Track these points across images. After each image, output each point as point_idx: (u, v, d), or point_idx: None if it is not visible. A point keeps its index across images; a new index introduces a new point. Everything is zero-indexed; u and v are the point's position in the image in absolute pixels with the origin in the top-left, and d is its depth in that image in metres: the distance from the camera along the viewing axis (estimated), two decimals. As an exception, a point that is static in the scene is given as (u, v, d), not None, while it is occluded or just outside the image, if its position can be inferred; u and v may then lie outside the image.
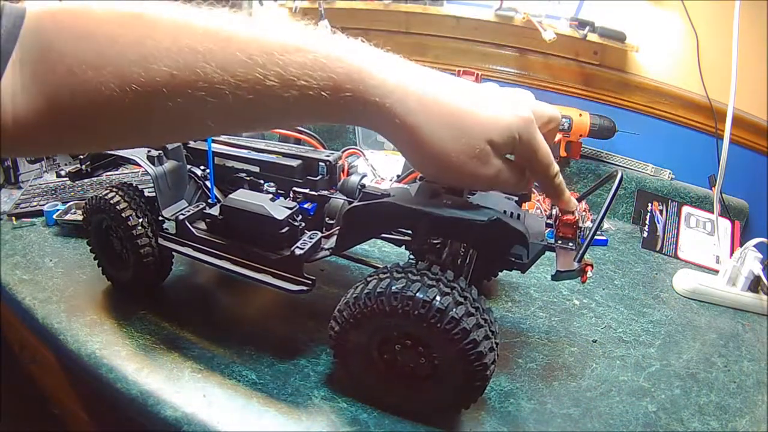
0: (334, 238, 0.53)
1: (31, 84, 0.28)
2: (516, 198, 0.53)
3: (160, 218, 0.60)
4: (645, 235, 0.92)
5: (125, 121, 0.30)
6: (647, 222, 0.93)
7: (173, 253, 0.60)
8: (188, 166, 0.64)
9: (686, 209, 0.93)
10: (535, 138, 0.37)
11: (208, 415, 0.46)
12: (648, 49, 0.97)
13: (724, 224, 0.90)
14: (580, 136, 0.94)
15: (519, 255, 0.46)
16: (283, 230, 0.52)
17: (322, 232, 0.55)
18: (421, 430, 0.47)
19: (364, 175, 0.58)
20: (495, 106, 0.36)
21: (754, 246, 0.74)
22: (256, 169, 0.62)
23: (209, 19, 0.30)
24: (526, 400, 0.51)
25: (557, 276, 0.43)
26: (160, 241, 0.59)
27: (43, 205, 0.83)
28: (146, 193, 0.62)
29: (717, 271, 0.80)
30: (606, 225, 0.96)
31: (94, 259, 0.66)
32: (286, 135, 0.69)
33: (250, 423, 0.46)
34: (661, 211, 0.94)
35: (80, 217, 0.80)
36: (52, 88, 0.28)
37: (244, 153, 0.64)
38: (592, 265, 0.43)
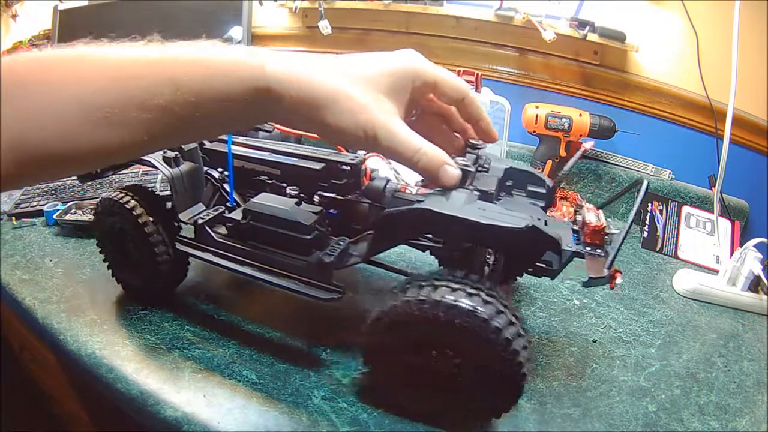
0: (362, 243, 0.52)
1: None
2: (542, 204, 0.53)
3: (175, 222, 0.58)
4: (645, 235, 0.92)
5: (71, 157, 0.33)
6: (647, 222, 0.93)
7: (191, 257, 0.59)
8: (204, 168, 0.62)
9: (686, 209, 0.93)
10: (428, 64, 0.40)
11: (208, 415, 0.46)
12: (648, 49, 0.97)
13: (724, 224, 0.90)
14: (580, 136, 0.94)
15: (549, 261, 0.46)
16: (310, 236, 0.51)
17: (349, 238, 0.54)
18: (420, 429, 0.47)
19: (389, 180, 0.56)
20: (382, 57, 0.39)
21: (754, 246, 0.74)
22: (277, 172, 0.61)
23: (131, 53, 0.33)
24: (526, 400, 0.51)
25: (589, 283, 0.43)
26: (178, 245, 0.58)
27: (43, 205, 0.83)
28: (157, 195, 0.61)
29: (717, 271, 0.80)
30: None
31: (104, 261, 0.65)
32: (306, 137, 0.67)
33: (250, 423, 0.46)
34: (661, 211, 0.94)
35: (81, 217, 0.80)
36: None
37: (264, 155, 0.62)
38: (620, 272, 0.43)
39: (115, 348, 0.54)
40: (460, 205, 0.42)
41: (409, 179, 0.59)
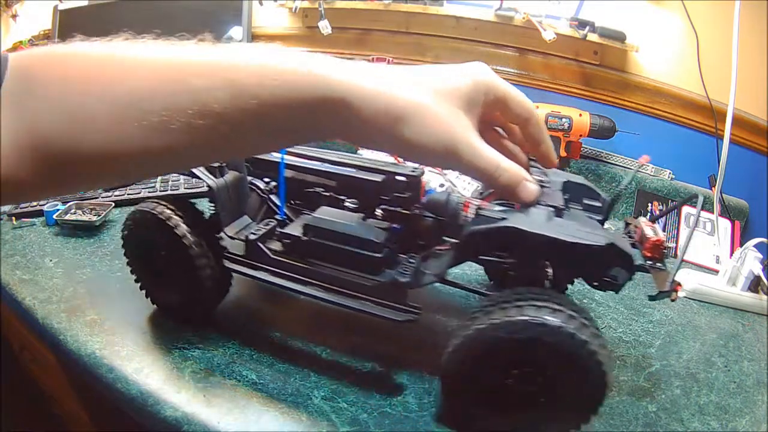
0: (433, 260, 0.50)
1: (18, 123, 0.28)
2: (600, 217, 0.54)
3: (217, 235, 0.55)
4: (645, 235, 0.92)
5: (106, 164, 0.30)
6: (647, 222, 0.93)
7: (236, 275, 0.55)
8: (249, 178, 0.59)
9: (686, 209, 0.93)
10: (499, 79, 0.38)
11: (208, 415, 0.46)
12: (648, 49, 0.97)
13: (724, 224, 0.90)
14: (580, 136, 0.94)
15: (614, 276, 0.47)
16: (381, 254, 0.48)
17: (417, 254, 0.51)
18: (420, 429, 0.47)
19: (450, 193, 0.54)
20: (456, 70, 0.37)
21: (754, 246, 0.74)
22: (333, 183, 0.57)
23: (183, 51, 0.31)
24: (526, 400, 0.51)
25: (657, 296, 0.43)
26: (226, 263, 0.54)
27: (43, 205, 0.83)
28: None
29: (717, 271, 0.80)
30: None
31: (136, 281, 0.60)
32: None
33: (250, 423, 0.46)
34: (660, 211, 0.94)
35: (81, 217, 0.80)
36: (33, 126, 0.29)
37: (317, 165, 0.58)
38: (681, 285, 0.44)
39: (115, 348, 0.54)
40: (542, 222, 0.42)
41: (463, 191, 0.58)
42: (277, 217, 0.58)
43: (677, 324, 0.68)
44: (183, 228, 0.52)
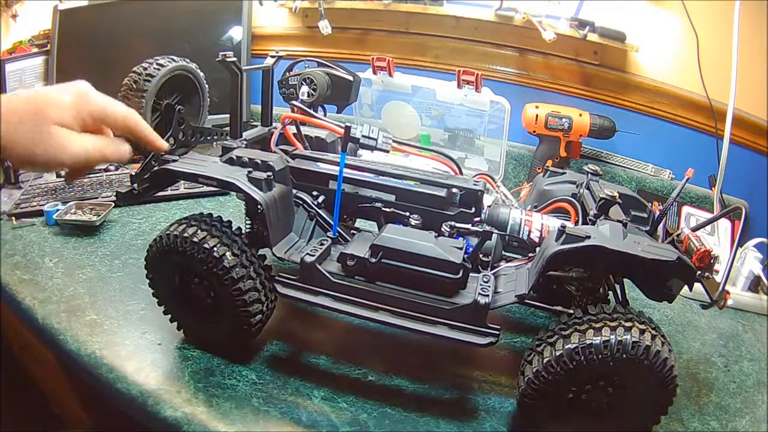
0: (505, 278, 0.49)
1: None
2: (647, 228, 0.54)
3: (259, 255, 0.50)
4: (645, 235, 0.92)
5: None
6: (647, 222, 0.93)
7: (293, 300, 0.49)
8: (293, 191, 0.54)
9: (686, 209, 0.93)
10: (95, 99, 0.42)
11: (208, 415, 0.46)
12: (648, 49, 0.97)
13: (724, 224, 0.90)
14: (580, 136, 0.94)
15: (670, 287, 0.48)
16: (459, 275, 0.46)
17: (479, 272, 0.49)
18: (420, 429, 0.47)
19: (512, 207, 0.53)
20: (50, 91, 0.41)
21: (754, 246, 0.74)
22: (392, 198, 0.54)
23: None
24: (526, 400, 0.51)
25: (709, 305, 0.45)
26: (280, 288, 0.49)
27: (43, 205, 0.83)
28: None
29: (717, 271, 0.79)
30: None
31: (165, 312, 0.55)
32: (428, 157, 0.61)
33: (250, 423, 0.46)
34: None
35: (81, 217, 0.80)
36: None
37: (373, 178, 0.55)
38: (729, 293, 0.45)
39: (115, 348, 0.54)
40: (620, 239, 0.43)
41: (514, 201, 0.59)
42: (330, 234, 0.53)
43: (677, 324, 0.68)
44: (224, 250, 0.47)
